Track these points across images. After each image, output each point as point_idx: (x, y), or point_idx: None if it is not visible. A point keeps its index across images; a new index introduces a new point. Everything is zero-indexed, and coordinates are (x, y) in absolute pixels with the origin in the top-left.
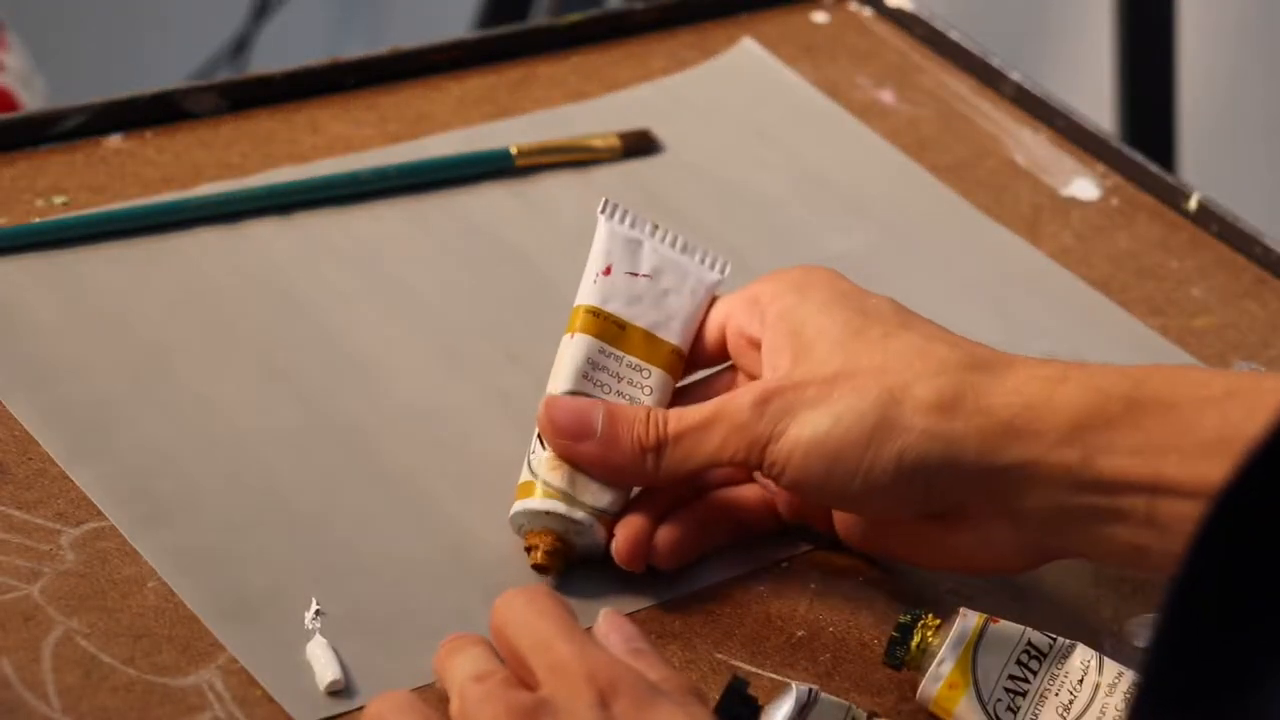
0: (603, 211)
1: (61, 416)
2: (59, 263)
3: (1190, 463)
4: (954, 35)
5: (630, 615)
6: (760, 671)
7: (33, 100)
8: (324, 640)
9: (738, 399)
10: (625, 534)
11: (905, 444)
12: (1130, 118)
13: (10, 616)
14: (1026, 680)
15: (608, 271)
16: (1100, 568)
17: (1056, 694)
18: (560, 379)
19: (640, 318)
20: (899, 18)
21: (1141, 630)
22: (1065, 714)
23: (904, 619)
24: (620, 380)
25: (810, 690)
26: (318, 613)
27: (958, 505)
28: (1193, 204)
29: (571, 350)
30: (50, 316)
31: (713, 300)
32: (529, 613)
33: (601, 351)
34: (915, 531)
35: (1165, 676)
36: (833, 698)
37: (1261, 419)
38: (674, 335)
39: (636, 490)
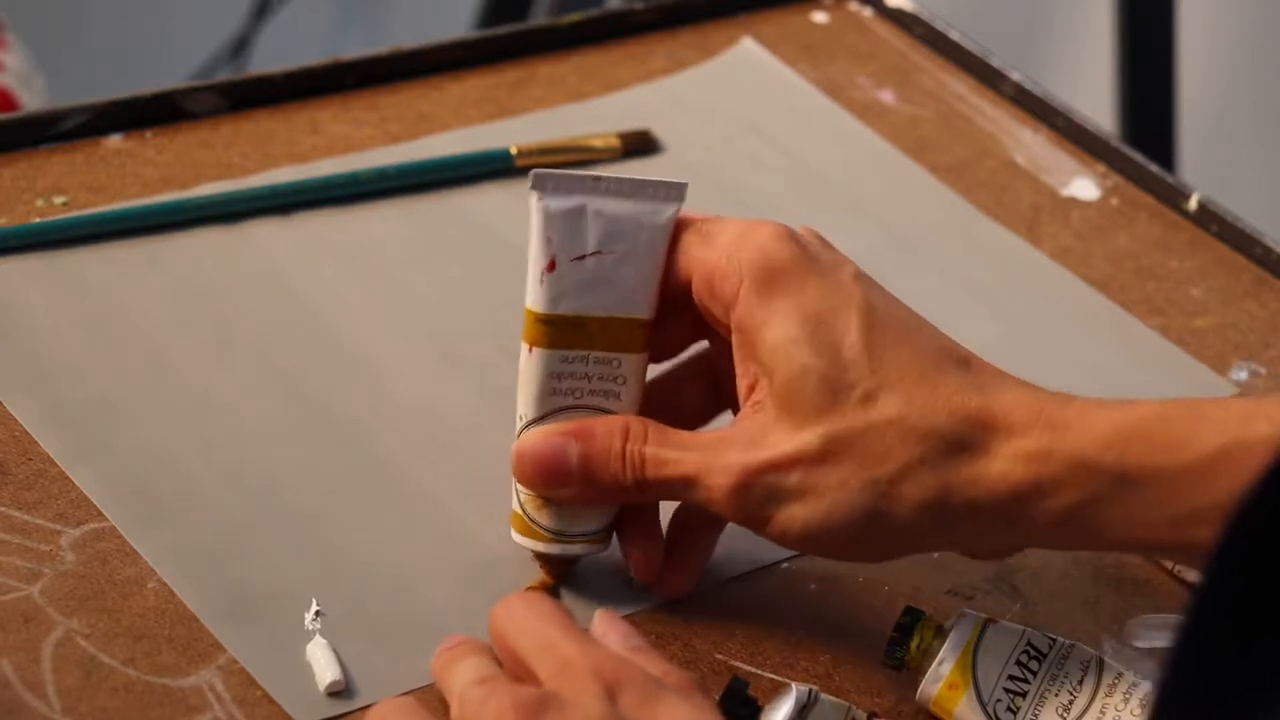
0: (534, 188)
1: (61, 416)
2: (59, 263)
3: (1182, 529)
4: (954, 35)
5: (629, 616)
6: (760, 671)
7: (33, 100)
8: (324, 641)
9: (715, 475)
10: (639, 559)
11: (900, 539)
12: (1130, 118)
13: (10, 617)
14: (1026, 681)
15: (551, 267)
16: (1100, 568)
17: (1056, 694)
18: (528, 403)
19: (597, 306)
20: (899, 18)
21: (1141, 630)
22: (1065, 714)
23: (904, 619)
24: (590, 380)
25: (810, 690)
26: (318, 613)
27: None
28: (1193, 204)
29: (532, 369)
30: (50, 316)
31: (676, 227)
32: (529, 616)
33: (564, 360)
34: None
35: (1183, 689)
36: (833, 698)
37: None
38: (638, 308)
39: None
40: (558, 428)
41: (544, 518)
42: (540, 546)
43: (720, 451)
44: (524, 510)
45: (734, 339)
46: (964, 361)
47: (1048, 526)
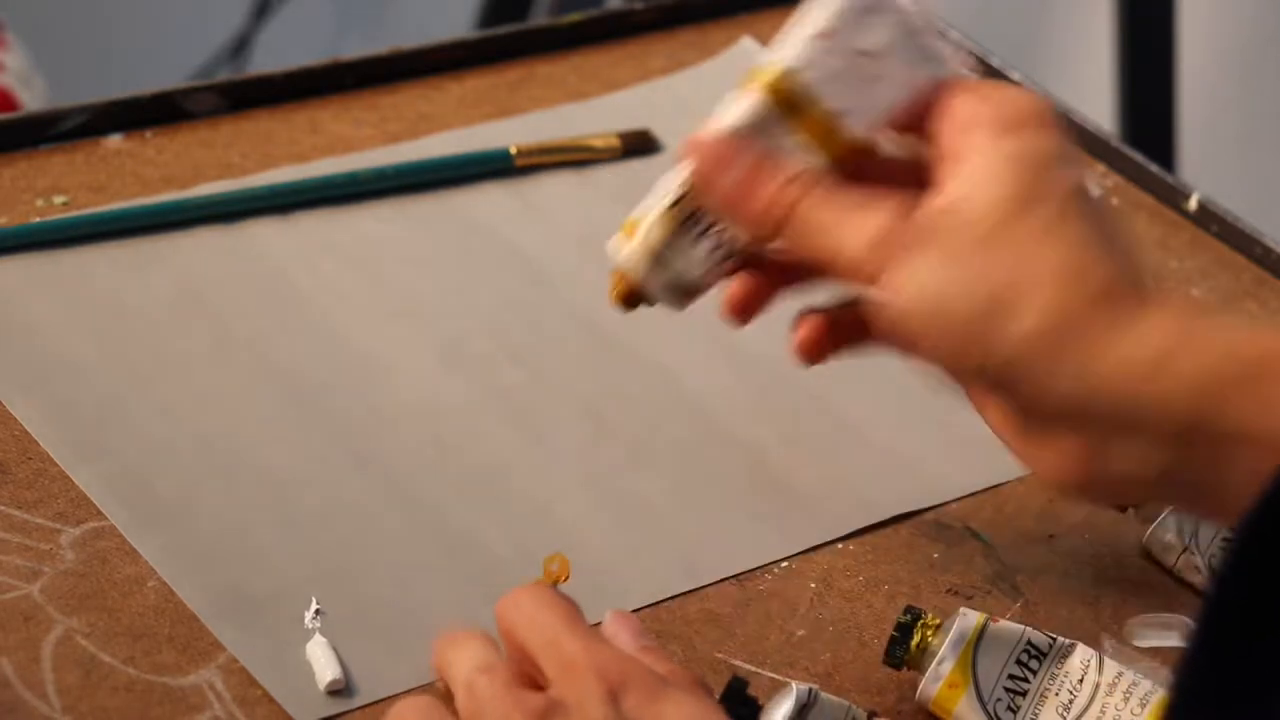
0: None
1: (61, 416)
2: (59, 263)
3: None
4: (954, 35)
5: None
6: (760, 671)
7: (33, 100)
8: (324, 640)
9: (874, 215)
10: (737, 293)
11: (987, 362)
12: (1130, 118)
13: (10, 616)
14: (1026, 680)
15: (827, 36)
16: (1100, 568)
17: (1056, 694)
18: (725, 122)
19: (833, 97)
20: None
21: (1141, 630)
22: (1065, 713)
23: (904, 619)
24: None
25: (810, 690)
26: (318, 612)
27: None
28: (1193, 204)
29: (744, 105)
30: (50, 316)
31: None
32: (536, 610)
33: (773, 120)
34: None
35: (1200, 681)
36: (833, 698)
37: None
38: (861, 126)
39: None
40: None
41: (656, 234)
42: (634, 261)
43: (880, 208)
44: (641, 220)
45: (951, 149)
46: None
47: (1159, 421)
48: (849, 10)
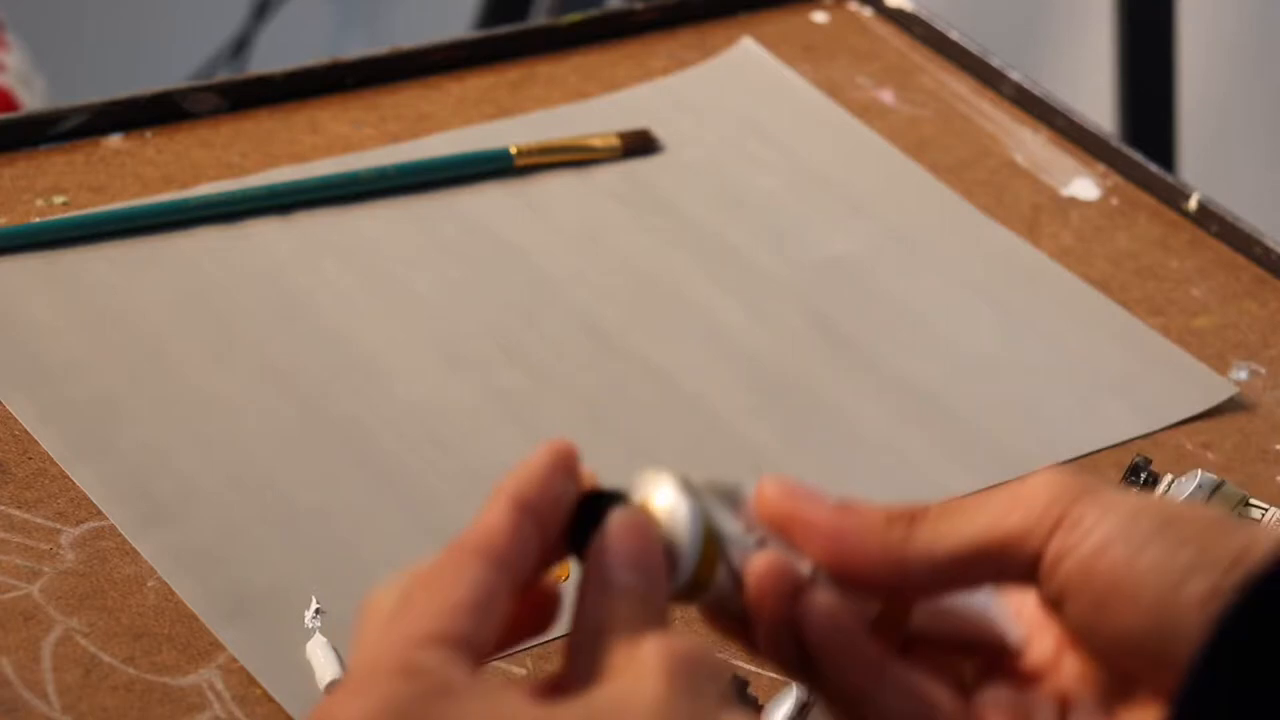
0: None
1: (61, 416)
2: (59, 263)
3: None
4: (954, 35)
5: None
6: (760, 671)
7: (33, 100)
8: (324, 639)
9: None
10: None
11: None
12: (1130, 118)
13: (10, 616)
14: None
15: None
16: None
17: None
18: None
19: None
20: (899, 18)
21: None
22: None
23: None
24: None
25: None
26: (318, 611)
27: None
28: (1193, 204)
29: None
30: (50, 316)
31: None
32: None
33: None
34: None
35: None
36: None
37: None
38: None
39: None
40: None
41: None
42: None
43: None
44: None
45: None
46: None
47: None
48: None
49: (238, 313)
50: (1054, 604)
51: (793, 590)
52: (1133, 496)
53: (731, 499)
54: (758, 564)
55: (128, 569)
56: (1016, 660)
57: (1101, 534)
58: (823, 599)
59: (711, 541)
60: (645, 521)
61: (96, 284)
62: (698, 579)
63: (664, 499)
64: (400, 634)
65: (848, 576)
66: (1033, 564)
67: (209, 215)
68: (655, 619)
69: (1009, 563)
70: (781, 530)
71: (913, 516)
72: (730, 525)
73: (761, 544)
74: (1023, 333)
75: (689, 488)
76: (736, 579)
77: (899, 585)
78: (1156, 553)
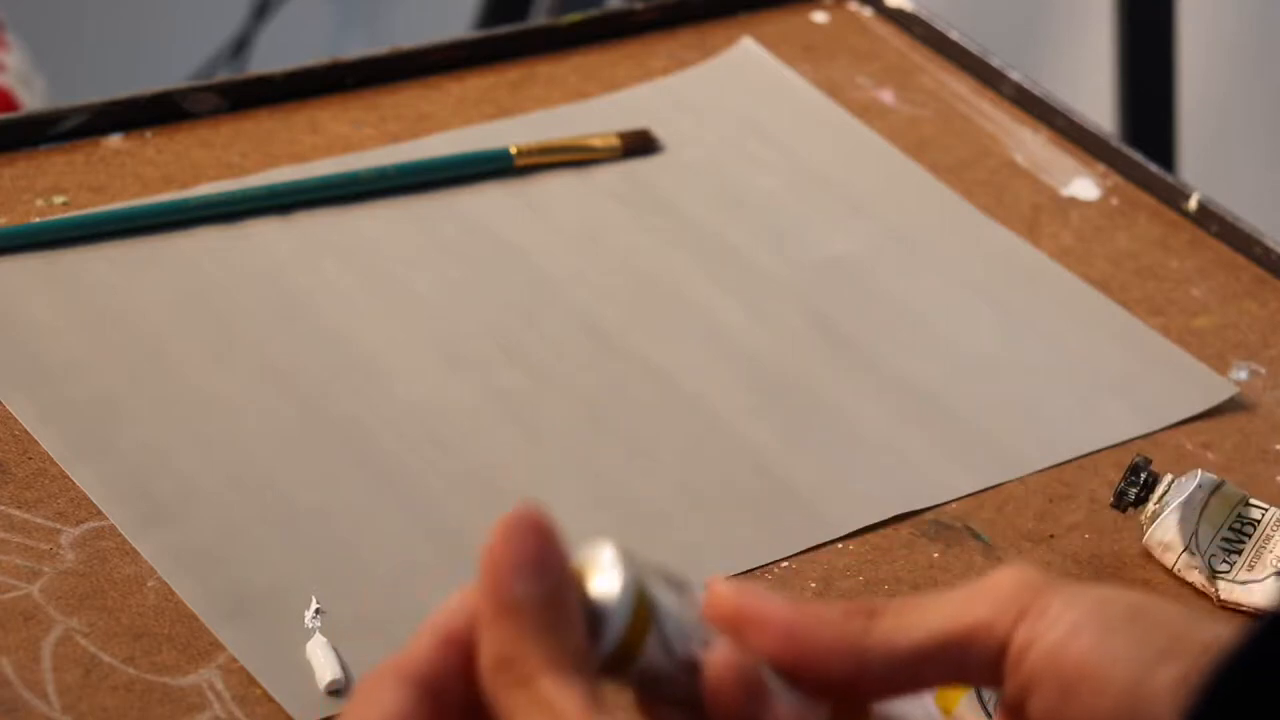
0: None
1: (61, 416)
2: (59, 263)
3: None
4: (954, 35)
5: None
6: None
7: (33, 100)
8: (324, 639)
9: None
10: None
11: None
12: (1130, 118)
13: (10, 616)
14: None
15: None
16: (1101, 568)
17: None
18: None
19: None
20: (899, 18)
21: None
22: None
23: None
24: None
25: None
26: (318, 612)
27: None
28: (1193, 204)
29: None
30: (50, 316)
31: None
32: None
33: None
34: None
35: None
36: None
37: None
38: None
39: None
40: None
41: None
42: None
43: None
44: None
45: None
46: None
47: None
48: None
49: (238, 313)
50: (1019, 697)
51: (755, 687)
52: (1099, 588)
53: (679, 587)
54: (720, 655)
55: (128, 569)
56: None
57: (1070, 621)
58: (784, 701)
59: (644, 608)
60: (541, 517)
61: (96, 284)
62: (627, 643)
63: (599, 561)
64: None
65: (803, 673)
66: (998, 656)
67: (209, 215)
68: (571, 654)
69: (973, 655)
70: (733, 628)
71: (872, 610)
72: (673, 605)
73: (707, 640)
74: (1023, 333)
75: (628, 556)
76: (680, 664)
77: (856, 681)
78: (1127, 639)
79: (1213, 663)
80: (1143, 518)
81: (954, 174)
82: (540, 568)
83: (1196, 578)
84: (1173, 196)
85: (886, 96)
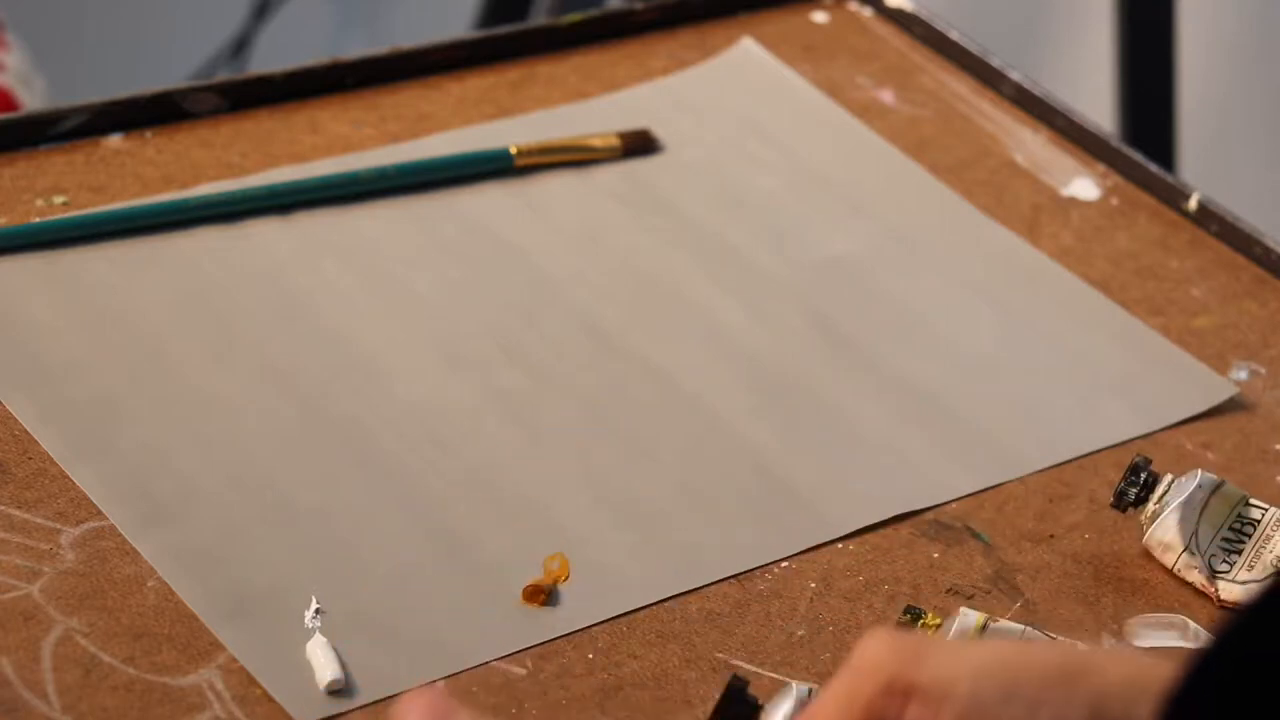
0: None
1: (61, 416)
2: (59, 263)
3: None
4: (954, 35)
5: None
6: (760, 671)
7: (33, 100)
8: (324, 639)
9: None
10: None
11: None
12: (1130, 118)
13: (10, 616)
14: None
15: None
16: (1100, 568)
17: None
18: None
19: None
20: (899, 18)
21: (1142, 630)
22: None
23: (904, 618)
24: None
25: (810, 690)
26: (318, 612)
27: None
28: (1193, 204)
29: None
30: (50, 316)
31: None
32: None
33: None
34: None
35: None
36: None
37: None
38: None
39: None
40: None
41: None
42: None
43: None
44: None
45: None
46: None
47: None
48: None
49: (238, 313)
50: None
51: None
52: (971, 655)
53: None
54: None
55: (128, 569)
56: None
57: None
58: None
59: None
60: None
61: (96, 284)
62: None
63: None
64: None
65: None
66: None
67: (209, 215)
68: None
69: None
70: None
71: None
72: None
73: None
74: (1023, 333)
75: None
76: None
77: None
78: None
79: (1185, 668)
80: (1143, 518)
81: (954, 174)
82: None
83: (1196, 578)
84: (1173, 196)
85: (886, 96)
